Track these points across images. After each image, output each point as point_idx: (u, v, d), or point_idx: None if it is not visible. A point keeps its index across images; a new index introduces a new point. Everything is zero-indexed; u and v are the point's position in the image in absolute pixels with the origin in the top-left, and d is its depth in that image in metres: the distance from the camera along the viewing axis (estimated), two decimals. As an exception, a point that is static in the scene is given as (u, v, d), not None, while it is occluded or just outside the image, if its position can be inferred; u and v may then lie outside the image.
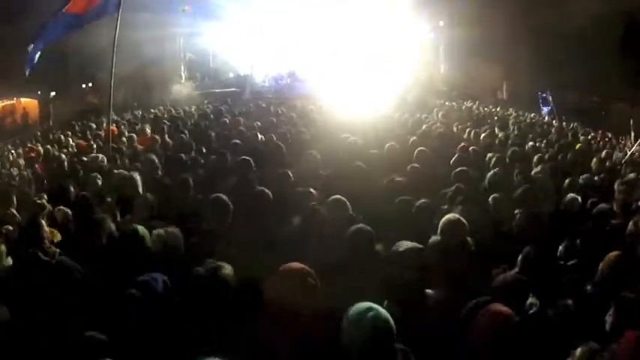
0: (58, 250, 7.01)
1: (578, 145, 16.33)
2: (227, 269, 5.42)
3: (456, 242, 6.37)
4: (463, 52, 33.45)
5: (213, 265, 5.47)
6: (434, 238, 6.61)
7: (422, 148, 11.42)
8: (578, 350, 4.34)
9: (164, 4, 29.30)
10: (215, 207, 7.55)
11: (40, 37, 12.30)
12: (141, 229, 6.83)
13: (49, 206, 8.95)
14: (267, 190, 7.95)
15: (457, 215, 6.73)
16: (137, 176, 9.81)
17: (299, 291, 4.81)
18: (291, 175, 9.55)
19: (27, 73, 12.31)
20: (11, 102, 31.14)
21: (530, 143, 15.32)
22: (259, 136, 15.01)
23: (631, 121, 20.31)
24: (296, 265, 5.00)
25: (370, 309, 4.16)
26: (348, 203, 7.33)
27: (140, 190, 9.40)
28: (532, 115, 26.57)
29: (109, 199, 9.41)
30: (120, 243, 7.01)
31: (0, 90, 29.11)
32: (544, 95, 29.10)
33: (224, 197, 7.64)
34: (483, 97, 31.53)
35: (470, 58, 32.92)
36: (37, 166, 13.92)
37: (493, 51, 30.91)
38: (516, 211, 7.86)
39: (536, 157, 12.02)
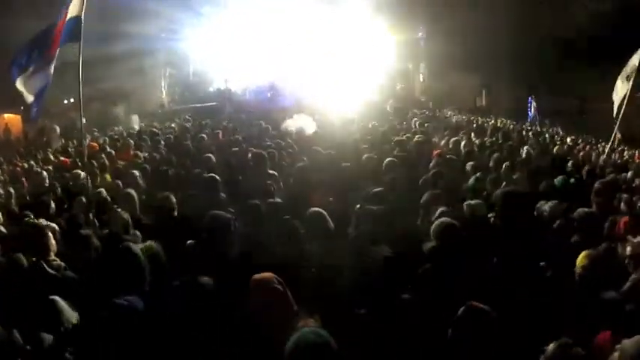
0: (63, 264, 7.12)
1: (556, 148, 16.54)
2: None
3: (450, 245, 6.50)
4: (442, 61, 33.55)
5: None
6: (429, 243, 6.77)
7: (392, 158, 11.57)
8: (551, 345, 4.44)
9: (145, 16, 29.26)
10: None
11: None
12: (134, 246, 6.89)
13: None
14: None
15: (450, 219, 6.85)
16: (133, 193, 9.93)
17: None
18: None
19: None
20: (-6, 117, 31.09)
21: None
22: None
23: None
24: (267, 274, 5.16)
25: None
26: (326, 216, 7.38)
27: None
28: (510, 121, 26.69)
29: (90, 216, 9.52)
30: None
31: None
32: (529, 99, 29.32)
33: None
34: (463, 105, 31.82)
35: (449, 67, 33.13)
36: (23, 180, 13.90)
37: (471, 60, 31.12)
38: (490, 215, 8.04)
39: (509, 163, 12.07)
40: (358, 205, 8.45)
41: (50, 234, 7.62)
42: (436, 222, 6.81)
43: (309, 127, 17.65)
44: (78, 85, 11.33)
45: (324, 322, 4.84)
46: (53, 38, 11.91)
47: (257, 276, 5.16)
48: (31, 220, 9.17)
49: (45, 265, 6.89)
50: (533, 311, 5.53)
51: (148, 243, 7.01)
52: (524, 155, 13.85)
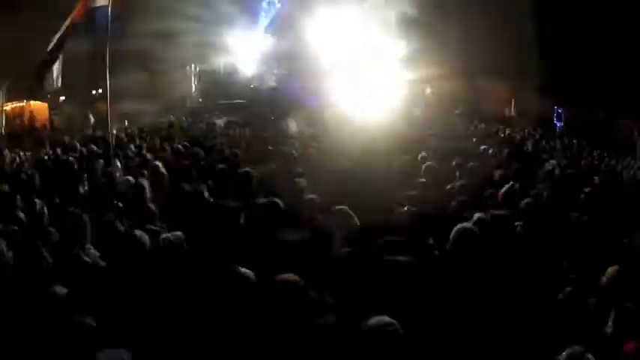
0: (98, 253, 7.17)
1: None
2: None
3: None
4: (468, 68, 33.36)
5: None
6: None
7: (430, 162, 11.44)
8: (564, 354, 4.42)
9: (173, 12, 29.33)
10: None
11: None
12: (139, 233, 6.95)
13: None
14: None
15: (467, 225, 6.77)
16: (145, 183, 9.93)
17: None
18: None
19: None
20: (20, 104, 31.24)
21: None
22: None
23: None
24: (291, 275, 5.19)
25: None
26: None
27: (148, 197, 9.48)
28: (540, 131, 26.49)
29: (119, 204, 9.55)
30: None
31: (10, 92, 29.24)
32: (559, 111, 29.11)
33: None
34: (492, 114, 31.66)
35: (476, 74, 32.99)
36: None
37: (501, 67, 30.98)
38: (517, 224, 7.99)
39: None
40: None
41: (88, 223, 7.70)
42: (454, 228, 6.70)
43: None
44: (105, 76, 11.44)
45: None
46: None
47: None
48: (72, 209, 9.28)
49: (83, 255, 6.97)
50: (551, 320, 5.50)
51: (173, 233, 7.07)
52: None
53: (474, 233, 6.54)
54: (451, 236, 6.58)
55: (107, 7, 12.80)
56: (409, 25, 31.84)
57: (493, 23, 29.53)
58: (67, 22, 13.00)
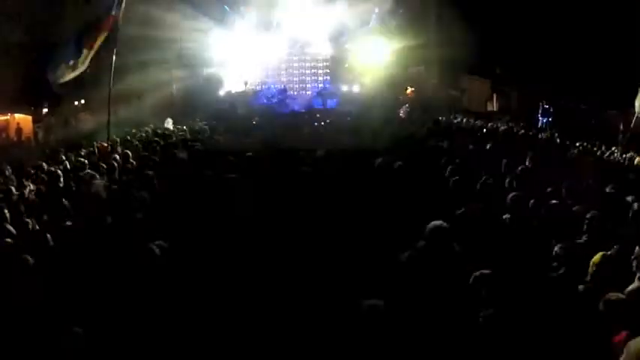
0: None
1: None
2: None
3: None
4: (451, 67, 33.51)
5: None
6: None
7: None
8: None
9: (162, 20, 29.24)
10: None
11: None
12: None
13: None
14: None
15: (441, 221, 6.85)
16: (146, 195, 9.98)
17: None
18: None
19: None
20: (5, 117, 31.16)
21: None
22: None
23: (620, 126, 20.58)
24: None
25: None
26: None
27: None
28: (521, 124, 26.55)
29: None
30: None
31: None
32: (546, 106, 29.10)
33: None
34: (476, 110, 31.82)
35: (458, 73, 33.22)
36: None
37: (481, 65, 31.19)
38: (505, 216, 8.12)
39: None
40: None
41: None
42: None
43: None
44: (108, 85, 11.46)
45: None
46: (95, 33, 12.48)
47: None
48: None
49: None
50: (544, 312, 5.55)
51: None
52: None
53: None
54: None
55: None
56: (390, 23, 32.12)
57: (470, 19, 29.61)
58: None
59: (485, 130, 22.55)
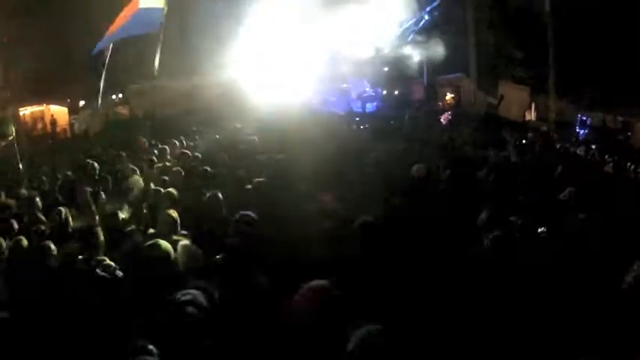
0: (113, 264, 7.10)
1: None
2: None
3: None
4: (490, 74, 33.23)
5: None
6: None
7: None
8: None
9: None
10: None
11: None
12: (163, 243, 6.82)
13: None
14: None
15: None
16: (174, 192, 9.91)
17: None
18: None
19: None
20: (40, 109, 31.40)
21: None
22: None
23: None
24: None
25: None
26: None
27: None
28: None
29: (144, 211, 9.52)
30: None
31: (29, 97, 29.36)
32: (583, 118, 28.55)
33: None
34: (514, 118, 31.43)
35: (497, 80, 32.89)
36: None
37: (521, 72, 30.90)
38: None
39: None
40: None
41: (100, 232, 7.67)
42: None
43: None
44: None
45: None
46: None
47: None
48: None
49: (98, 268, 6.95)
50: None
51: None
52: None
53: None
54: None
55: (159, 9, 13.13)
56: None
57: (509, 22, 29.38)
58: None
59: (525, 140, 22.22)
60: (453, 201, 9.36)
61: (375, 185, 10.55)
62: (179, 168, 12.45)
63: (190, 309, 5.24)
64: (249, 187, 10.68)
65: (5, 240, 8.46)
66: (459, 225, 7.81)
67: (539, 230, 8.02)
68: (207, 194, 9.78)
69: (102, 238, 7.85)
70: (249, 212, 7.97)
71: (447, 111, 29.06)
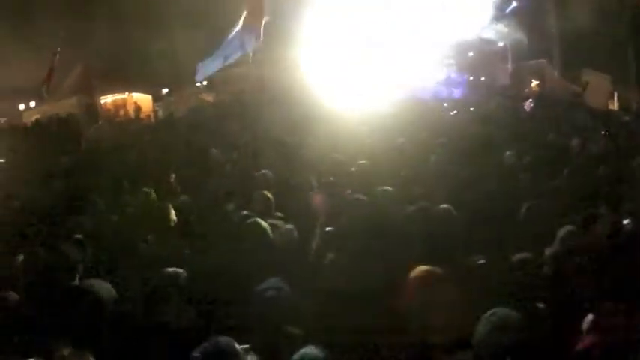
0: None
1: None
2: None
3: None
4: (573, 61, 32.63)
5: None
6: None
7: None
8: None
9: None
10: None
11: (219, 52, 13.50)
12: (262, 223, 6.96)
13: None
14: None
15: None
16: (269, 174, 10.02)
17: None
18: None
19: (197, 80, 13.48)
20: (122, 96, 32.02)
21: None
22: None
23: None
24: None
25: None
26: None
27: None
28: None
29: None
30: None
31: (112, 85, 29.94)
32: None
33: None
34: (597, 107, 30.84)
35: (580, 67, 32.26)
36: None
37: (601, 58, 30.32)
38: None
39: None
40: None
41: (172, 212, 7.99)
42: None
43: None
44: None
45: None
46: None
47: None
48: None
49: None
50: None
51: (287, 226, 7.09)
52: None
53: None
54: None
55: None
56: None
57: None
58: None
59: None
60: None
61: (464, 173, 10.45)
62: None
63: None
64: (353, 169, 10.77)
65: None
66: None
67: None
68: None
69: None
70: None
71: (532, 98, 28.65)
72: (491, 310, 4.45)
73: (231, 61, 14.21)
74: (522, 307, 4.87)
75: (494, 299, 4.86)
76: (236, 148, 14.31)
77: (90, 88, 26.08)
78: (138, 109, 30.30)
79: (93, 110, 17.59)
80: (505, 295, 5.16)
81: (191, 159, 13.51)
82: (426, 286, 4.95)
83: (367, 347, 4.94)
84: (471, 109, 25.14)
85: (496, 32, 32.21)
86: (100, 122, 17.74)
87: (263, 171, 10.33)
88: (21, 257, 7.31)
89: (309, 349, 4.37)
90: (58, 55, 28.92)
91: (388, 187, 8.99)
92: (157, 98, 31.85)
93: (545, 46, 32.49)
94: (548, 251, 6.70)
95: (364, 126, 16.27)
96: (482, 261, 6.43)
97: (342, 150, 12.62)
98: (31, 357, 4.72)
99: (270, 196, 8.70)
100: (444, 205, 7.57)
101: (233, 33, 14.59)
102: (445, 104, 27.51)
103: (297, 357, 4.33)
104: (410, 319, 4.87)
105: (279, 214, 8.50)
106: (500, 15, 31.53)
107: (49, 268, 6.68)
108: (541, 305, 5.57)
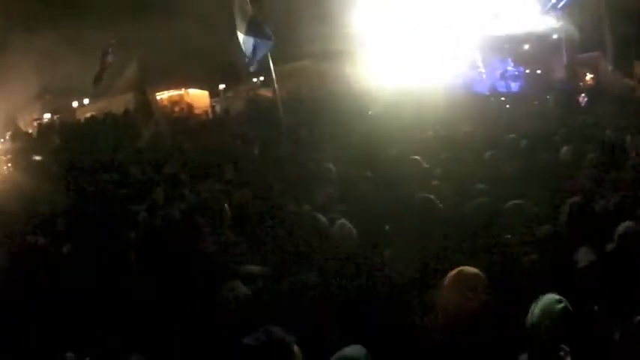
0: None
1: None
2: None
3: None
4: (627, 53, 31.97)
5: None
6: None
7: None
8: None
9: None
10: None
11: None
12: (321, 218, 7.04)
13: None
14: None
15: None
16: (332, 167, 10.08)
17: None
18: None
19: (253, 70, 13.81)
20: (179, 93, 32.35)
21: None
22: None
23: None
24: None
25: (560, 301, 4.75)
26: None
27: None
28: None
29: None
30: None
31: (168, 81, 30.25)
32: None
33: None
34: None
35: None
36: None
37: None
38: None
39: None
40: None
41: (226, 205, 8.17)
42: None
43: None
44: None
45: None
46: None
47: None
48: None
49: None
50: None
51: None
52: None
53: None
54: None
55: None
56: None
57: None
58: None
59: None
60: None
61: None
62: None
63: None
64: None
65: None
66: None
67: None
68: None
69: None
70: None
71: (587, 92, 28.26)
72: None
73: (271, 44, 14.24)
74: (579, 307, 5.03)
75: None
76: (294, 142, 14.34)
77: (145, 84, 26.43)
78: (190, 105, 30.66)
79: (148, 106, 17.71)
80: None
81: (249, 153, 13.64)
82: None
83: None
84: (535, 102, 24.91)
85: (549, 24, 31.79)
86: (155, 118, 17.83)
87: (325, 164, 10.35)
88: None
89: (350, 349, 4.40)
90: (110, 56, 29.55)
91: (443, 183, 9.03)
92: (213, 94, 32.12)
93: (597, 38, 31.91)
94: (608, 248, 6.63)
95: (419, 120, 16.22)
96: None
97: (398, 145, 12.61)
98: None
99: (331, 190, 8.84)
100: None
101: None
102: (503, 98, 27.21)
103: (337, 357, 4.38)
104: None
105: (340, 207, 8.55)
106: (552, 6, 31.12)
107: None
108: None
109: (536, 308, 4.79)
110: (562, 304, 4.75)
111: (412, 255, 6.32)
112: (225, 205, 8.56)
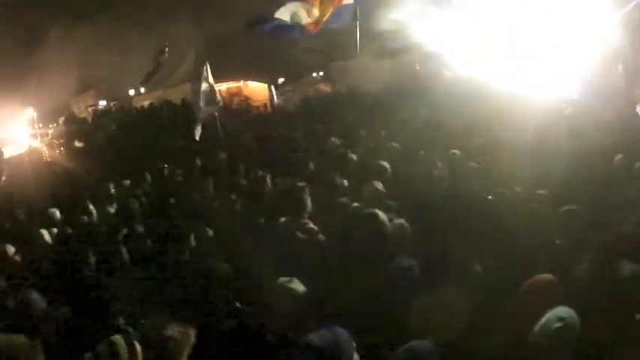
0: (315, 228, 7.61)
1: None
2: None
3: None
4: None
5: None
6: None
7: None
8: None
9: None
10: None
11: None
12: (381, 215, 6.81)
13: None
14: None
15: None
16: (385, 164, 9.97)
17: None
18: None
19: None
20: (237, 84, 32.50)
21: None
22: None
23: None
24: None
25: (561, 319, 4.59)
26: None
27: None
28: None
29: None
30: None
31: (227, 73, 30.31)
32: None
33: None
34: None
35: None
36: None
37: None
38: None
39: None
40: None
41: (307, 195, 8.00)
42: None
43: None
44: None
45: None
46: None
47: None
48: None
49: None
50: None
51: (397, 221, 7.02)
52: None
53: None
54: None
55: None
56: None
57: None
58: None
59: None
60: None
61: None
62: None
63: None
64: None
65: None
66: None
67: None
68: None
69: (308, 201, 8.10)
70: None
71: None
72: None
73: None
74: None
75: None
76: (351, 138, 14.15)
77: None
78: (247, 97, 30.75)
79: (214, 94, 17.74)
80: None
81: (307, 147, 13.53)
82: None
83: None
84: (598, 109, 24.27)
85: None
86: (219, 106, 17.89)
87: (380, 162, 10.13)
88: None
89: (418, 343, 4.40)
90: (166, 53, 29.96)
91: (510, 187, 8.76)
92: (273, 87, 32.20)
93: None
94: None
95: (483, 121, 15.87)
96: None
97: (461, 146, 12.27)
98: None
99: (380, 187, 8.69)
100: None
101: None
102: (563, 104, 26.60)
103: (405, 349, 4.37)
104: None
105: (391, 203, 8.41)
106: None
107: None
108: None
109: (537, 326, 4.65)
110: (561, 323, 4.57)
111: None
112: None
